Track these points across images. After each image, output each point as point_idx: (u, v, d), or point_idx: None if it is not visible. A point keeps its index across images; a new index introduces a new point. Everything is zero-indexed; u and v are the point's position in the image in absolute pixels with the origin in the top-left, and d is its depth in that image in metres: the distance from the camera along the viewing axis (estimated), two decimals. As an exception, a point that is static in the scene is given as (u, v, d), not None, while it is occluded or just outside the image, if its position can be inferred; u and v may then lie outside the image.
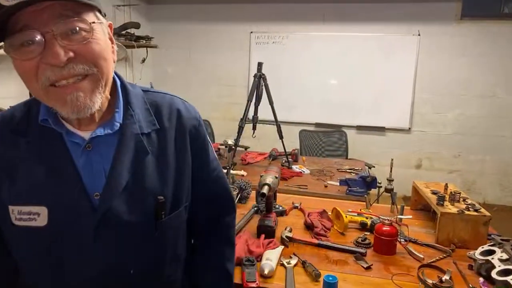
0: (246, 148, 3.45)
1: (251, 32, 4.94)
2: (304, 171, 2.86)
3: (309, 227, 1.64)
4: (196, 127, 0.88)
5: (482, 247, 1.34)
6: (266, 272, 1.25)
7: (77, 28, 0.65)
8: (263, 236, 1.49)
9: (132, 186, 0.76)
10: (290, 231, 1.55)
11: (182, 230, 0.90)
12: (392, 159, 1.97)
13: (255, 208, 1.78)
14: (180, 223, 0.87)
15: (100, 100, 0.70)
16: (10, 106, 0.84)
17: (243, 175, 2.63)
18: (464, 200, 1.61)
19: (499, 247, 1.30)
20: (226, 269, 0.98)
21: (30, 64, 0.64)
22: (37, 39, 0.62)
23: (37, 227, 0.73)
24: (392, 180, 1.93)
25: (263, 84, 2.91)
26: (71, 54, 0.64)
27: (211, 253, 0.98)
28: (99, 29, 0.69)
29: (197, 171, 0.89)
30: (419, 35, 4.50)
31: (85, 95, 0.67)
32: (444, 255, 1.44)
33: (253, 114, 2.95)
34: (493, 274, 1.19)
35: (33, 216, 0.73)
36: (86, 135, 0.75)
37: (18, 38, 0.62)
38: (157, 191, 0.80)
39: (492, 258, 1.25)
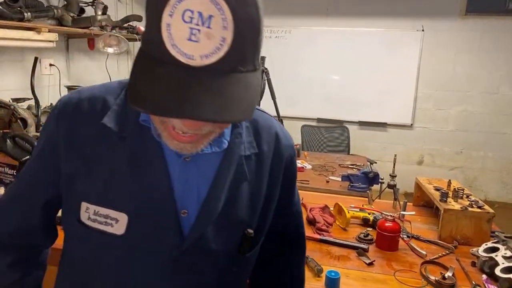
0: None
1: (254, 26, 4.91)
2: (305, 166, 2.85)
3: (311, 222, 1.63)
4: (292, 156, 0.82)
5: (486, 244, 1.33)
6: (268, 267, 1.24)
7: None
8: (265, 231, 1.48)
9: (225, 212, 0.69)
10: (292, 226, 1.54)
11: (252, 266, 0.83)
12: (395, 155, 1.95)
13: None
14: (255, 259, 0.80)
15: (205, 146, 0.63)
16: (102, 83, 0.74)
17: (244, 170, 2.62)
18: (467, 197, 1.60)
19: (502, 244, 1.29)
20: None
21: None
22: None
23: (112, 234, 0.65)
24: (395, 176, 1.92)
25: (266, 78, 2.89)
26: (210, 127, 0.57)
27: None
28: None
29: (280, 204, 0.81)
30: (423, 30, 4.47)
31: (192, 146, 0.60)
32: (447, 251, 1.43)
33: (255, 109, 2.93)
34: (497, 271, 1.18)
35: (110, 221, 0.65)
36: None
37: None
38: (246, 222, 0.73)
39: (496, 255, 1.24)
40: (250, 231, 0.73)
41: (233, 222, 0.71)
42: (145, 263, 0.67)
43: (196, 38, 0.48)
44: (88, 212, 0.66)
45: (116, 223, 0.65)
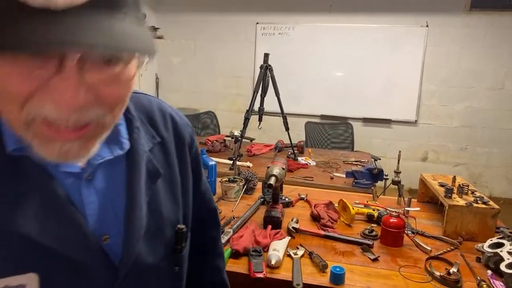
0: (251, 139, 3.45)
1: (257, 23, 4.91)
2: (310, 163, 2.86)
3: (315, 218, 1.64)
4: (191, 135, 0.75)
5: (491, 240, 1.33)
6: (273, 262, 1.25)
7: (118, 57, 0.44)
8: (269, 227, 1.49)
9: (150, 220, 0.62)
10: (297, 222, 1.55)
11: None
12: (399, 151, 1.95)
13: (262, 199, 1.78)
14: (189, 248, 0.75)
15: (96, 147, 0.50)
16: None
17: (248, 167, 2.63)
18: (472, 193, 1.60)
19: (508, 240, 1.29)
20: (225, 283, 0.93)
21: (25, 85, 0.41)
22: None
23: None
24: (400, 172, 1.92)
25: (270, 75, 2.89)
26: (91, 97, 0.44)
27: (207, 271, 0.89)
28: (134, 61, 0.48)
29: (194, 185, 0.77)
30: (427, 26, 4.44)
31: (80, 146, 0.46)
32: (452, 247, 1.43)
33: (259, 106, 2.94)
34: (502, 266, 1.18)
35: None
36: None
37: None
38: (173, 219, 0.68)
39: (501, 251, 1.24)
40: (181, 226, 0.68)
41: (162, 227, 0.65)
42: None
43: None
44: None
45: None
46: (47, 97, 0.41)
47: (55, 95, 0.41)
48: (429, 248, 1.40)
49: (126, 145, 0.59)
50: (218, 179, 1.91)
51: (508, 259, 1.20)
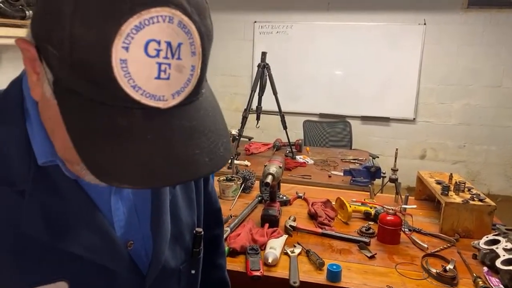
0: (249, 138, 3.45)
1: (255, 22, 4.91)
2: (308, 161, 2.86)
3: (313, 216, 1.64)
4: None
5: (487, 237, 1.33)
6: (270, 260, 1.25)
7: None
8: (267, 225, 1.49)
9: (172, 224, 0.62)
10: (294, 220, 1.55)
11: None
12: (396, 149, 1.96)
13: (259, 198, 1.79)
14: None
15: None
16: None
17: (246, 165, 2.63)
18: (469, 190, 1.60)
19: (503, 237, 1.30)
20: (226, 281, 0.94)
21: None
22: None
23: None
24: (397, 170, 1.93)
25: (267, 74, 2.89)
26: None
27: (209, 269, 0.87)
28: None
29: (204, 186, 0.77)
30: (425, 24, 4.45)
31: None
32: (448, 244, 1.43)
33: (257, 105, 2.94)
34: (498, 263, 1.19)
35: None
36: None
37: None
38: (191, 222, 0.68)
39: (497, 248, 1.24)
40: (199, 230, 0.69)
41: (182, 231, 0.66)
42: None
43: (166, 74, 0.38)
44: None
45: None
46: None
47: None
48: (425, 246, 1.41)
49: None
50: (216, 178, 1.92)
51: (503, 255, 1.20)
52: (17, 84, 0.51)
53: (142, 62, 0.37)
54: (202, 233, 0.70)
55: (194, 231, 0.69)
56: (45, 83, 0.42)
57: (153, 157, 0.39)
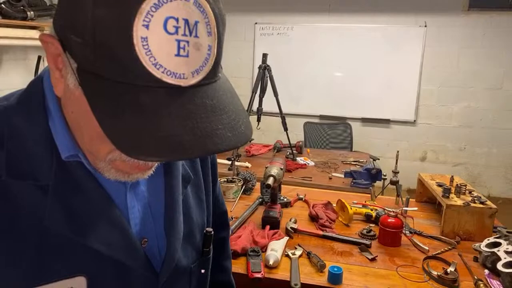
0: (250, 140, 3.44)
1: (256, 23, 4.91)
2: (308, 163, 2.86)
3: (313, 218, 1.64)
4: None
5: (488, 239, 1.33)
6: (271, 262, 1.25)
7: None
8: (268, 227, 1.49)
9: (184, 224, 0.63)
10: (295, 222, 1.55)
11: None
12: (397, 151, 1.96)
13: (260, 200, 1.79)
14: None
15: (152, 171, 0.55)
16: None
17: (247, 167, 2.63)
18: (470, 193, 1.60)
19: (505, 239, 1.30)
20: (231, 284, 0.94)
21: None
22: None
23: None
24: (398, 172, 1.93)
25: (268, 75, 2.90)
26: None
27: (215, 271, 0.85)
28: None
29: (213, 187, 0.78)
30: (425, 26, 4.45)
31: (143, 174, 0.53)
32: (449, 247, 1.43)
33: (257, 106, 2.94)
34: (499, 266, 1.18)
35: None
36: None
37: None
38: (201, 222, 0.69)
39: (498, 250, 1.24)
40: (209, 229, 0.70)
41: (193, 230, 0.67)
42: None
43: (185, 52, 0.40)
44: None
45: None
46: None
47: None
48: (426, 248, 1.40)
49: None
50: (217, 180, 1.92)
51: (505, 258, 1.20)
52: (37, 83, 0.52)
53: (162, 39, 0.38)
54: (212, 232, 0.70)
55: (204, 231, 0.70)
56: (69, 74, 0.44)
57: (178, 130, 0.40)
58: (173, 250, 0.60)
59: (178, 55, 0.39)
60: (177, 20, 0.38)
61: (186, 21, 0.39)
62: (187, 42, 0.39)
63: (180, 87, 0.41)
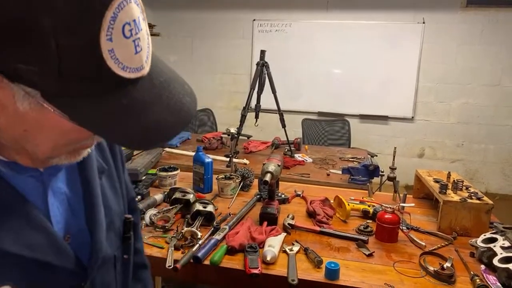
0: (248, 137, 3.45)
1: (254, 20, 4.90)
2: (306, 160, 2.86)
3: (311, 214, 1.65)
4: None
5: (484, 235, 1.34)
6: (268, 258, 1.26)
7: None
8: (265, 223, 1.50)
9: (105, 214, 0.65)
10: (293, 218, 1.55)
11: None
12: (395, 148, 1.96)
13: (258, 196, 1.79)
14: None
15: None
16: None
17: (245, 164, 2.63)
18: (466, 188, 1.61)
19: (501, 235, 1.30)
20: (145, 263, 0.92)
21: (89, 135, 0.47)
22: None
23: None
24: (395, 169, 1.93)
25: (266, 72, 2.89)
26: None
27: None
28: None
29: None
30: (423, 23, 4.45)
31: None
32: (446, 242, 1.44)
33: (255, 103, 2.94)
34: (495, 261, 1.19)
35: None
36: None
37: None
38: (119, 210, 0.71)
39: (494, 246, 1.25)
40: (128, 216, 0.72)
41: (113, 219, 0.68)
42: None
43: (139, 47, 0.43)
44: None
45: None
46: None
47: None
48: (423, 244, 1.41)
49: None
50: (215, 176, 1.92)
51: (501, 253, 1.21)
52: None
53: (124, 45, 0.41)
54: (132, 219, 0.73)
55: (124, 218, 0.72)
56: (18, 102, 0.42)
57: (162, 114, 0.46)
58: (98, 242, 0.61)
59: (136, 53, 0.43)
60: (129, 23, 0.41)
61: (134, 21, 0.42)
62: (139, 38, 0.43)
63: (143, 76, 0.44)
